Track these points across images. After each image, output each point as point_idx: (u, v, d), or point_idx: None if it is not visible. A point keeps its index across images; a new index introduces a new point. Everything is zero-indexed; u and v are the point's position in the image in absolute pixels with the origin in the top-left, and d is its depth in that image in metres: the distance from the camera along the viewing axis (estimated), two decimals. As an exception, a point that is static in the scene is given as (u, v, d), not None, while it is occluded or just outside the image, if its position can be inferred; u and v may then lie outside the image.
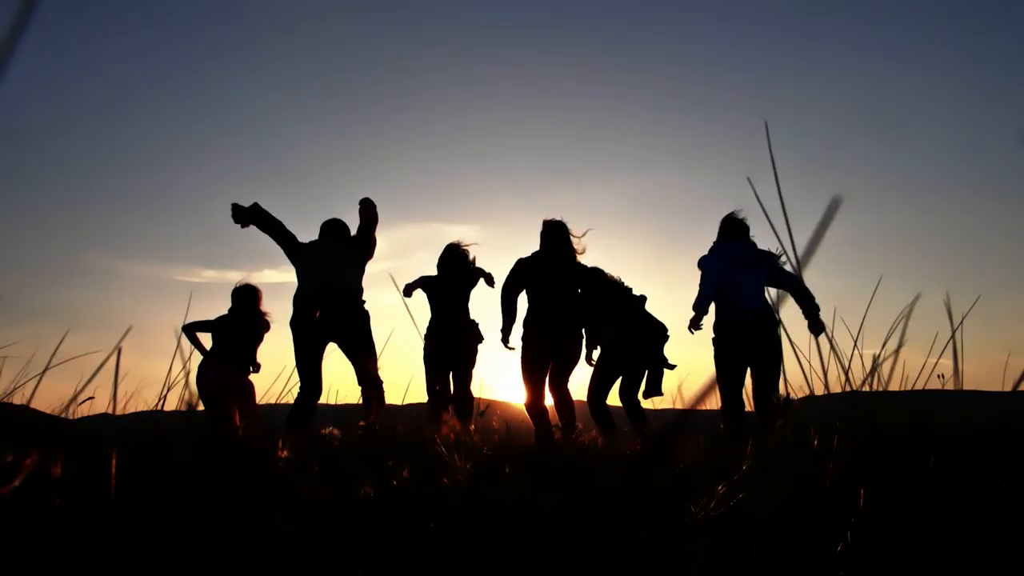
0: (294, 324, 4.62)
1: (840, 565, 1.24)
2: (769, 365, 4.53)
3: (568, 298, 4.77)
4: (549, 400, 4.82)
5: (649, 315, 5.63)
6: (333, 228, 4.95)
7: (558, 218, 4.92)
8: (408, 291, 5.52)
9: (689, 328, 4.78)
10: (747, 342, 4.56)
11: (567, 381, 4.78)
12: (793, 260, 1.40)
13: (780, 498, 1.47)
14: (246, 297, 5.36)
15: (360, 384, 4.58)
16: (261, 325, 5.36)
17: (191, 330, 5.24)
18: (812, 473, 1.65)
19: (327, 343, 4.62)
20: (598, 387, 5.30)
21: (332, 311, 4.56)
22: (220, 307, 5.50)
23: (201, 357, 5.19)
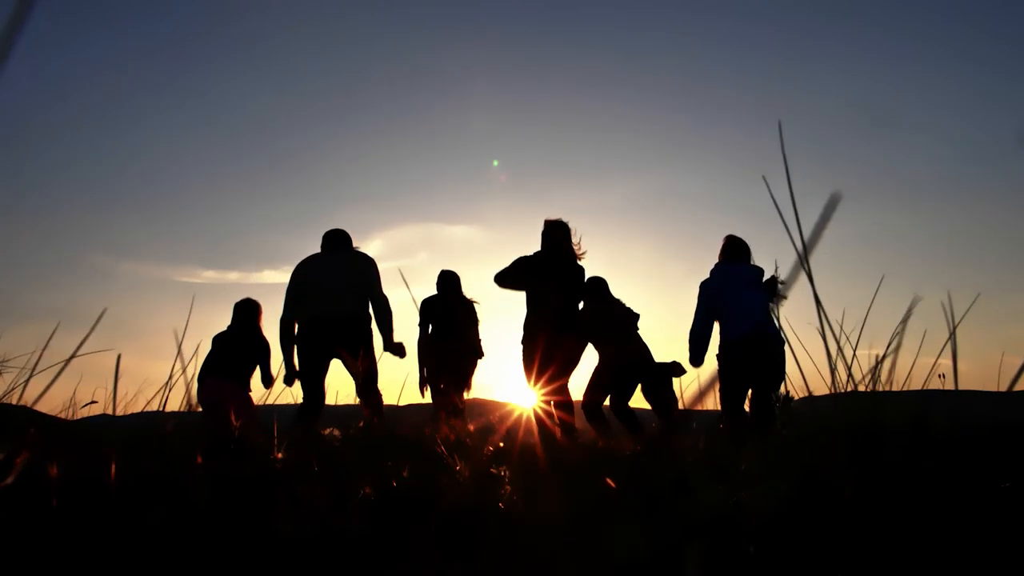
0: (299, 341, 4.64)
1: (839, 565, 1.25)
2: (772, 382, 4.54)
3: (568, 297, 4.75)
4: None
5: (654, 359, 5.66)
6: (335, 241, 4.88)
7: (560, 218, 4.91)
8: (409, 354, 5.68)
9: (691, 362, 4.84)
10: (751, 361, 4.57)
11: (567, 382, 4.78)
12: (803, 263, 1.40)
13: (779, 497, 1.47)
14: (246, 312, 5.30)
15: (359, 396, 4.59)
16: (259, 347, 5.27)
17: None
18: (811, 472, 1.66)
19: (330, 360, 4.65)
20: (593, 395, 5.32)
21: (337, 337, 4.56)
22: (220, 307, 5.49)
23: (201, 367, 5.17)
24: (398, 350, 4.72)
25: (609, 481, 1.54)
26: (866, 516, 1.35)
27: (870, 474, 1.52)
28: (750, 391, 4.66)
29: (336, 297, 4.62)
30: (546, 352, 4.66)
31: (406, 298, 5.91)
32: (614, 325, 5.42)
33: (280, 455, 1.87)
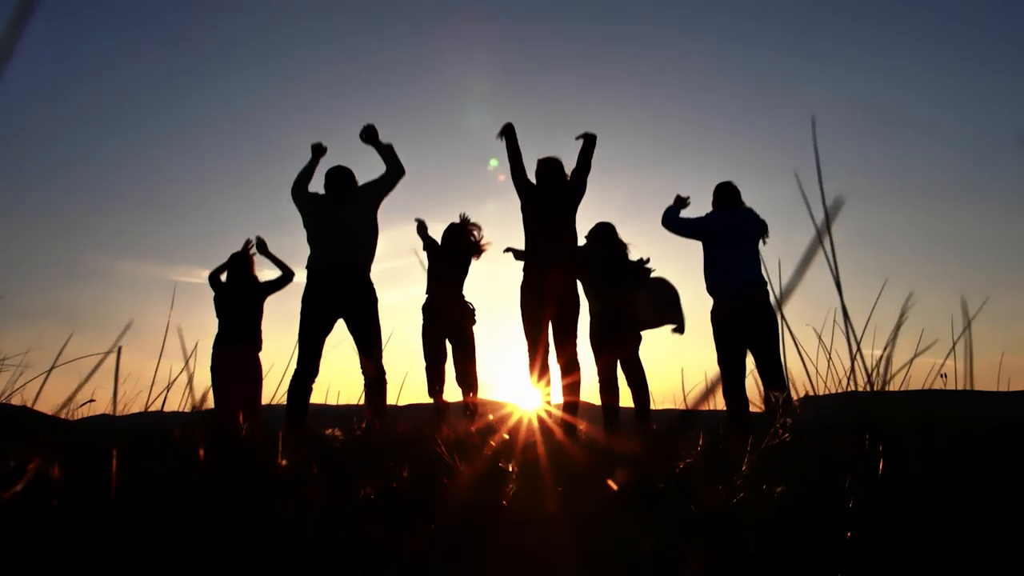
0: (304, 297, 4.67)
1: (840, 565, 1.25)
2: (768, 335, 4.46)
3: (564, 228, 4.71)
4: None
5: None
6: (338, 181, 4.83)
7: (555, 156, 4.87)
8: (421, 230, 5.63)
9: (677, 204, 4.88)
10: (744, 312, 4.52)
11: (573, 338, 4.67)
12: (832, 264, 1.41)
13: (780, 498, 1.47)
14: (240, 264, 5.50)
15: (363, 371, 4.57)
16: (260, 291, 5.45)
17: (215, 276, 5.48)
18: (812, 473, 1.66)
19: (335, 319, 4.65)
20: (610, 396, 5.21)
21: (340, 289, 4.59)
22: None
23: (214, 338, 5.37)
24: (370, 134, 4.77)
25: (610, 483, 1.54)
26: (868, 517, 1.35)
27: (872, 474, 1.52)
28: (753, 380, 4.60)
29: (338, 247, 4.66)
30: (543, 287, 4.59)
31: (416, 296, 5.85)
32: (609, 271, 5.29)
33: (283, 461, 1.86)
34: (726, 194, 4.89)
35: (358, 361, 4.57)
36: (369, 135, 4.80)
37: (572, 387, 4.67)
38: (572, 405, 4.69)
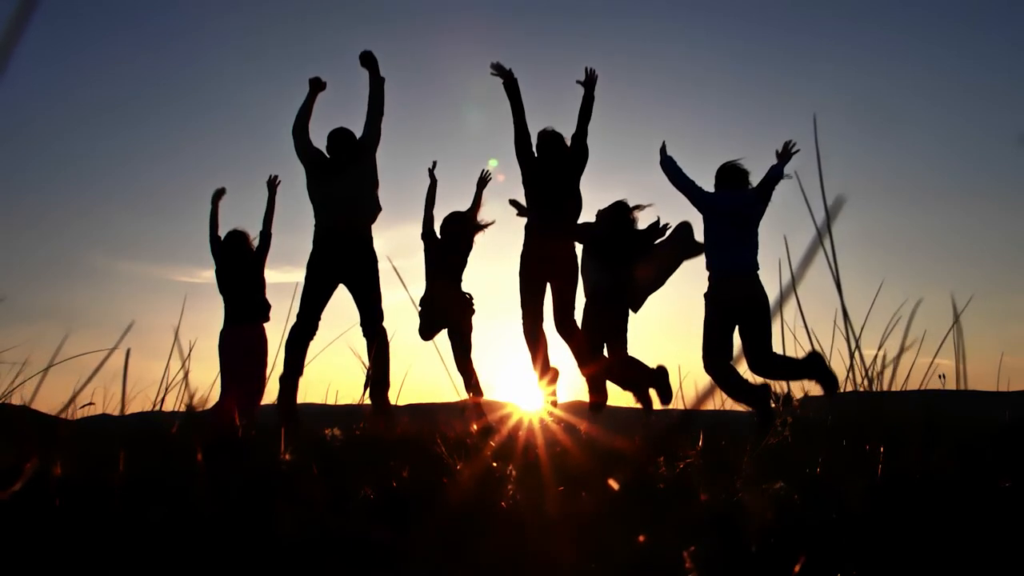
0: (309, 260, 4.77)
1: (840, 565, 1.25)
2: (762, 324, 4.43)
3: (567, 197, 4.72)
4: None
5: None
6: (341, 144, 4.86)
7: (553, 129, 4.84)
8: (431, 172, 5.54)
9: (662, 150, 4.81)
10: (744, 299, 4.49)
11: (572, 311, 4.65)
12: (832, 265, 1.41)
13: (780, 498, 1.47)
14: (236, 241, 5.50)
15: (364, 334, 4.63)
16: (254, 264, 5.46)
17: (213, 234, 5.49)
18: (813, 472, 1.66)
19: (336, 282, 4.73)
20: (593, 333, 5.04)
21: (342, 252, 4.69)
22: (219, 307, 5.51)
23: (223, 319, 5.39)
24: (369, 61, 4.83)
25: (611, 482, 1.54)
26: (868, 517, 1.35)
27: (872, 474, 1.52)
28: (748, 366, 4.55)
29: (341, 212, 4.74)
30: (543, 258, 4.61)
31: (404, 299, 5.81)
32: (608, 250, 5.08)
33: (284, 456, 1.86)
34: (734, 175, 4.80)
35: (355, 360, 4.58)
36: (368, 60, 4.85)
37: (596, 382, 4.62)
38: (598, 406, 4.62)
